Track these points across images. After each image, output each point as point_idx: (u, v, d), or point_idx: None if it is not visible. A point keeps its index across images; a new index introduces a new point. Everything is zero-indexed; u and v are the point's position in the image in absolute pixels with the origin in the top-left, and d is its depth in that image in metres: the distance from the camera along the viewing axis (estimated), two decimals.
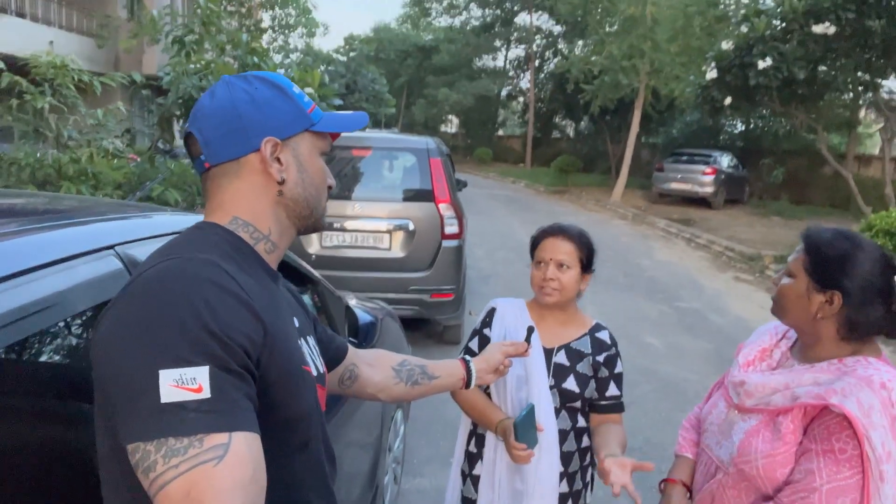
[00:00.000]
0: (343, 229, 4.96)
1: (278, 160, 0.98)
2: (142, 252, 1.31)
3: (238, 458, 0.74)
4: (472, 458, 1.92)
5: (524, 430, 1.67)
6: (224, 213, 0.98)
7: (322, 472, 1.04)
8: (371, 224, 4.98)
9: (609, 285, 8.03)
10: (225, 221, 0.98)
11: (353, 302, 2.90)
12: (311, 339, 1.12)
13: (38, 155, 4.75)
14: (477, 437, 1.92)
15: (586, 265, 1.85)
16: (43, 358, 1.07)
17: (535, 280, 1.84)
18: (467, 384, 1.56)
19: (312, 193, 1.04)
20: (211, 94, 0.98)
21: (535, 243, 1.88)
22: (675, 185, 16.57)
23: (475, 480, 1.89)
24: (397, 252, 4.96)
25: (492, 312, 1.95)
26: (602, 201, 17.25)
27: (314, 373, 1.04)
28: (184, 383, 0.73)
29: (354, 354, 1.41)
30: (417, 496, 3.28)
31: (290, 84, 1.03)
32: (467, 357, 1.61)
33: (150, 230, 1.40)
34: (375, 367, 1.43)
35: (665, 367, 5.35)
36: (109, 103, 5.74)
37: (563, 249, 1.82)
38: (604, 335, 1.90)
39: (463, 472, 1.95)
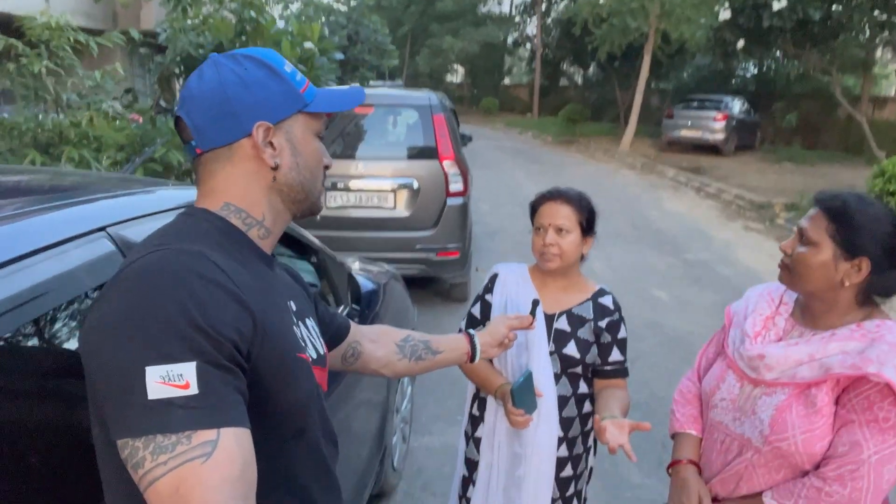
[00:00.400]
0: (347, 189, 4.92)
1: (271, 144, 0.95)
2: (135, 232, 1.30)
3: (226, 454, 0.73)
4: (474, 421, 1.95)
5: (521, 396, 1.68)
6: (215, 199, 0.96)
7: (321, 457, 1.03)
8: (375, 183, 4.93)
9: (616, 238, 7.99)
10: (216, 207, 0.95)
11: (356, 266, 2.90)
12: (309, 321, 1.11)
13: (40, 119, 4.70)
14: (479, 400, 1.94)
15: (587, 228, 1.83)
16: (35, 348, 1.07)
17: (536, 246, 1.82)
18: (472, 358, 1.55)
19: (307, 177, 1.00)
20: (199, 76, 0.94)
21: (534, 209, 1.85)
22: (684, 133, 16.30)
23: (477, 442, 1.92)
24: (402, 211, 4.94)
25: (494, 278, 1.94)
26: (610, 151, 17.02)
27: (312, 356, 1.03)
28: (171, 380, 0.73)
29: (357, 331, 1.40)
30: (426, 453, 3.35)
31: (282, 62, 0.99)
32: (471, 331, 1.60)
33: (142, 208, 1.38)
34: (378, 343, 1.43)
35: (672, 321, 5.36)
36: (109, 62, 5.65)
37: (561, 214, 1.79)
38: (607, 300, 1.89)
39: (466, 434, 1.98)
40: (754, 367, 1.44)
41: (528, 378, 1.71)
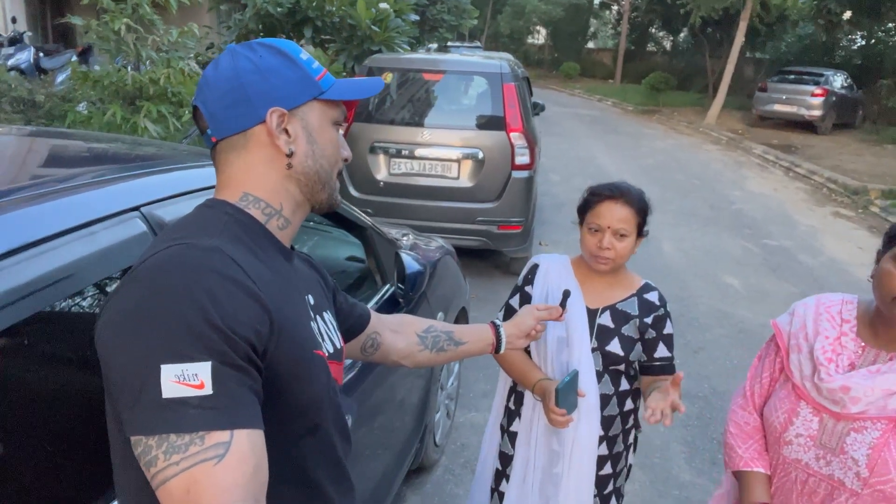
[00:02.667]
0: (412, 156, 4.88)
1: (286, 131, 0.93)
2: (169, 212, 1.30)
3: (239, 456, 0.73)
4: (510, 415, 1.90)
5: (565, 395, 1.62)
6: (233, 189, 0.94)
7: (334, 453, 1.02)
8: (440, 152, 4.86)
9: (691, 218, 7.64)
10: (235, 198, 0.94)
11: (410, 239, 2.86)
12: (327, 315, 1.09)
13: (122, 75, 4.86)
14: (517, 394, 1.88)
15: (640, 229, 1.71)
16: (63, 330, 1.08)
17: (588, 246, 1.71)
18: (496, 349, 1.52)
19: (324, 166, 0.98)
20: (215, 65, 0.94)
21: (589, 205, 1.72)
22: (778, 108, 15.31)
23: (512, 437, 1.88)
24: (465, 181, 4.85)
25: (534, 269, 1.85)
26: (695, 123, 16.23)
27: (329, 351, 1.02)
28: (185, 379, 0.72)
29: (378, 322, 1.38)
30: (470, 430, 3.34)
31: (298, 50, 0.97)
32: (497, 322, 1.55)
33: (178, 187, 1.37)
34: (400, 333, 1.41)
35: (742, 311, 5.10)
36: (194, 18, 5.76)
37: (622, 216, 1.66)
38: (653, 296, 1.78)
39: (502, 427, 1.94)
40: (837, 399, 1.31)
41: (574, 378, 1.64)
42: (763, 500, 1.44)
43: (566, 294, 1.60)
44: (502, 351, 1.53)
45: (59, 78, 8.32)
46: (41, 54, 10.32)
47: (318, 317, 1.04)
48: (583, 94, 23.48)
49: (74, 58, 9.79)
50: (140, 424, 0.73)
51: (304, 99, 0.94)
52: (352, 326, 1.30)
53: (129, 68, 5.01)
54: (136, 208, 1.24)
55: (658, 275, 5.71)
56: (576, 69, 27.81)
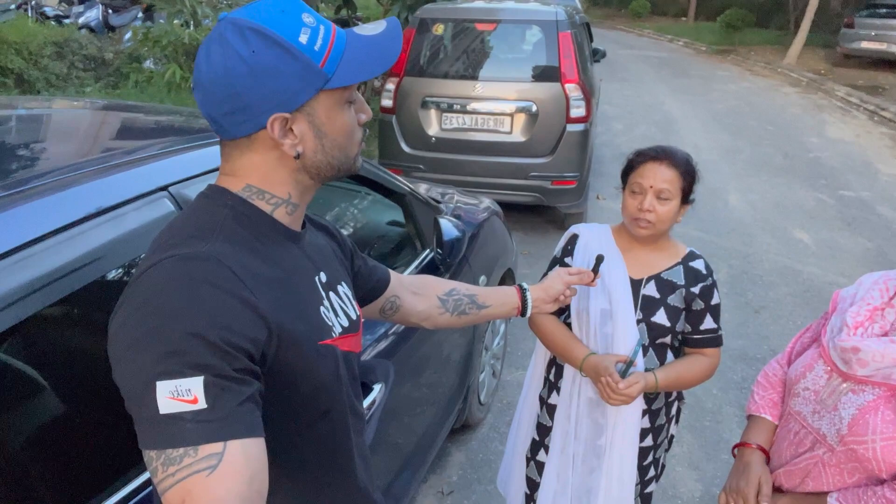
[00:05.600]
0: (464, 111, 4.80)
1: (291, 131, 0.89)
2: (197, 190, 1.32)
3: (232, 467, 0.74)
4: (549, 387, 1.89)
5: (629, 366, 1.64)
6: (237, 180, 0.92)
7: (347, 432, 1.04)
8: (491, 106, 4.75)
9: (762, 168, 7.26)
10: (237, 188, 0.92)
11: (453, 201, 2.84)
12: (342, 288, 1.08)
13: (179, 32, 4.94)
14: (556, 367, 1.87)
15: (686, 195, 1.63)
16: (93, 314, 1.13)
17: (628, 208, 1.66)
18: (522, 313, 1.50)
19: (336, 155, 0.94)
20: (206, 55, 0.86)
21: (633, 167, 1.67)
22: (865, 45, 14.15)
23: (551, 409, 1.87)
24: (518, 136, 4.75)
25: (573, 240, 1.81)
26: (773, 63, 15.25)
27: (343, 325, 1.02)
28: (179, 395, 0.74)
29: (398, 284, 1.37)
30: (517, 388, 3.35)
31: (297, 29, 0.85)
32: (524, 285, 1.52)
33: (205, 164, 1.38)
34: (420, 295, 1.41)
35: (811, 268, 4.86)
36: None
37: (665, 177, 1.60)
38: (699, 264, 1.72)
39: (541, 398, 1.93)
40: (847, 360, 1.30)
41: (639, 348, 1.66)
42: (757, 442, 1.48)
43: (599, 259, 1.56)
44: (528, 315, 1.52)
45: (127, 35, 8.56)
46: (110, 11, 10.62)
47: (330, 293, 1.03)
48: (652, 34, 22.34)
49: (140, 14, 10.01)
50: (142, 439, 0.76)
51: (307, 96, 0.87)
52: (371, 290, 1.30)
53: (190, 25, 5.10)
54: (165, 188, 1.27)
55: (722, 229, 5.49)
56: (646, 7, 26.40)
